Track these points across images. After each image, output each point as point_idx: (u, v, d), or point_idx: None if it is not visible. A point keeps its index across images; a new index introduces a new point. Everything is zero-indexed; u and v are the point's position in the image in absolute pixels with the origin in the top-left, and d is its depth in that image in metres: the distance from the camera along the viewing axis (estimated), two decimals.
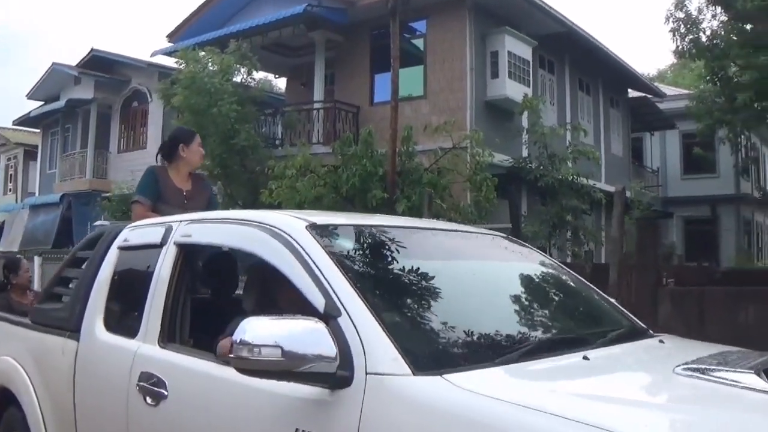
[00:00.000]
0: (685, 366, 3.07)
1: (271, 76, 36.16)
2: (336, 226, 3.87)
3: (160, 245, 4.24)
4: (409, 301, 3.55)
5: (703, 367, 3.08)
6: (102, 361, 4.27)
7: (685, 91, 33.07)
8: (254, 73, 22.97)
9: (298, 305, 3.41)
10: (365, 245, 3.86)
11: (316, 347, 2.78)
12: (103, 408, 4.16)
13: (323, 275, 3.16)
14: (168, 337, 3.94)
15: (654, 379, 3.22)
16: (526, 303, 4.10)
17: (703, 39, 22.63)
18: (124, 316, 4.51)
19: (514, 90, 20.37)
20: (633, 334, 3.96)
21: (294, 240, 3.41)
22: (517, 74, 20.87)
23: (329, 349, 2.80)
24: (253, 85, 23.02)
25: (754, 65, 21.52)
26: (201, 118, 19.69)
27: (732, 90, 23.30)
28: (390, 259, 3.77)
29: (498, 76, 20.49)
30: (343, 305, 3.01)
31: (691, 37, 22.52)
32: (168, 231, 4.29)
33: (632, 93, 30.22)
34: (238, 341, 2.76)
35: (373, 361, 2.81)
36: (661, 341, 3.94)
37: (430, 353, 3.02)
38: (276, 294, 3.89)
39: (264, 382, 3.00)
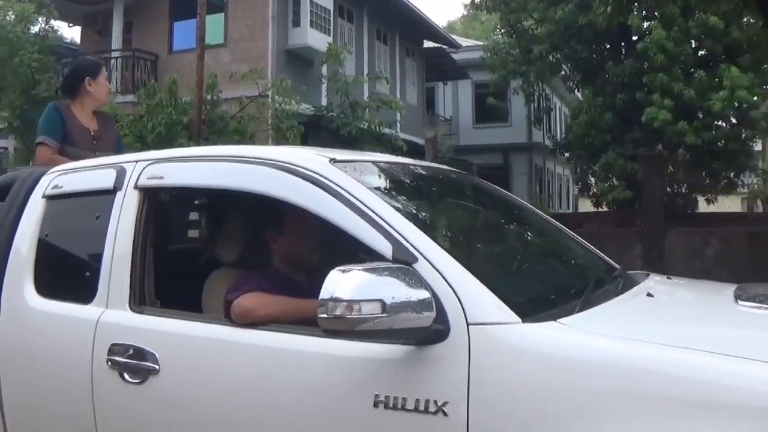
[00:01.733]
0: (745, 298, 3.39)
1: (63, 25, 35.87)
2: (356, 162, 3.68)
3: (113, 191, 3.82)
4: (473, 243, 3.58)
5: (759, 297, 3.40)
6: (40, 336, 3.86)
7: (480, 43, 35.83)
8: (52, 21, 23.13)
9: (317, 252, 3.73)
10: (391, 182, 3.75)
11: (415, 298, 2.65)
12: (50, 393, 3.77)
13: (380, 217, 3.01)
14: (140, 300, 3.61)
15: (735, 312, 3.30)
16: (554, 247, 4.26)
17: None
18: (65, 278, 4.09)
19: (316, 39, 21.49)
20: (634, 275, 4.13)
21: (327, 179, 3.22)
22: (319, 23, 21.95)
23: (427, 299, 2.67)
24: (50, 34, 23.12)
25: (550, 18, 24.22)
26: (0, 68, 19.83)
27: (527, 42, 25.93)
28: (425, 197, 3.79)
29: (300, 24, 21.54)
30: (417, 249, 2.88)
31: None
32: (121, 173, 3.85)
33: (428, 44, 31.93)
34: (330, 298, 2.61)
35: (474, 310, 2.71)
36: (668, 277, 4.32)
37: (526, 298, 2.99)
38: (283, 240, 3.76)
39: (313, 344, 2.97)
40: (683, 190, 25.94)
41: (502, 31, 28.79)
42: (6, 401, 3.97)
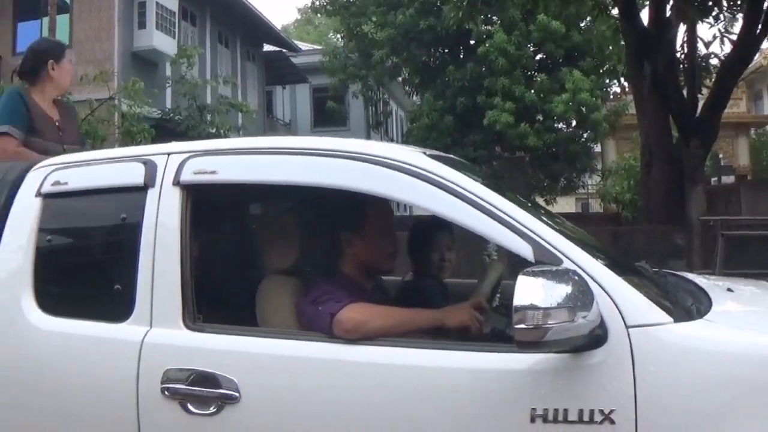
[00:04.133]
0: None
1: None
2: (444, 156, 3.54)
3: (144, 187, 3.41)
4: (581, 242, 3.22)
5: None
6: (50, 361, 3.40)
7: (319, 47, 36.41)
8: None
9: (395, 258, 3.65)
10: (487, 179, 3.47)
11: (582, 303, 2.58)
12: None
13: (511, 216, 2.91)
14: (196, 316, 3.25)
15: None
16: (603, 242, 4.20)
17: None
18: (82, 292, 3.61)
19: (161, 41, 21.85)
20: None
21: (437, 175, 3.06)
22: (164, 25, 22.24)
23: (594, 304, 2.60)
24: None
25: (390, 23, 24.99)
26: None
27: (367, 46, 26.68)
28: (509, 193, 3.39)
29: (145, 26, 21.78)
30: (560, 251, 2.83)
31: None
32: (151, 167, 3.44)
33: (268, 47, 32.47)
34: (527, 306, 2.51)
35: (630, 312, 2.70)
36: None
37: (661, 299, 2.97)
38: (361, 244, 3.56)
39: (446, 357, 2.88)
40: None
41: (341, 35, 29.33)
42: None
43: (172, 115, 20.34)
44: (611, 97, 26.71)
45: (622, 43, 15.93)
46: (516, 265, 2.87)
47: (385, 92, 32.39)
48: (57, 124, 5.39)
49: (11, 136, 5.04)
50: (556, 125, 24.60)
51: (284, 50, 32.92)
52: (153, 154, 3.52)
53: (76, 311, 3.44)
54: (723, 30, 14.62)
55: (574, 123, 24.72)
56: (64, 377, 3.33)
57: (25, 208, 3.65)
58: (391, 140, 36.36)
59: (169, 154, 3.47)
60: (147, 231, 3.33)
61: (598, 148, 28.93)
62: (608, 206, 26.58)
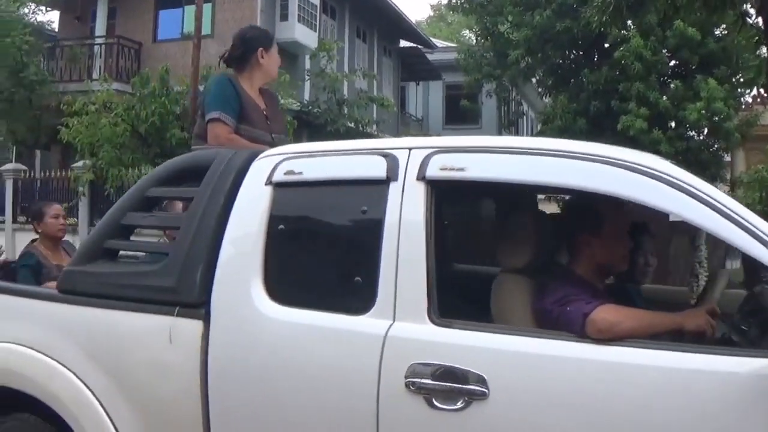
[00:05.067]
0: None
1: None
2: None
3: (386, 181, 3.48)
4: None
5: None
6: (283, 352, 3.51)
7: (454, 45, 36.82)
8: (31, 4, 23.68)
9: (626, 260, 3.77)
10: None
11: None
12: (302, 421, 3.45)
13: (750, 223, 2.99)
14: (440, 312, 3.30)
15: None
16: None
17: None
18: (316, 283, 3.72)
19: (303, 34, 22.69)
20: None
21: (684, 182, 3.13)
22: (305, 18, 23.15)
23: None
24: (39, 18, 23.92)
25: (526, 23, 25.17)
26: None
27: (502, 46, 26.89)
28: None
29: (287, 19, 22.67)
30: None
31: None
32: (393, 161, 3.51)
33: (404, 43, 33.10)
34: None
35: None
36: None
37: None
38: (599, 245, 3.62)
39: (695, 361, 2.94)
40: None
41: (476, 33, 29.48)
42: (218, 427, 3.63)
43: (310, 107, 20.88)
44: (743, 107, 26.28)
45: (764, 53, 15.80)
46: (752, 271, 3.18)
47: (517, 93, 32.47)
48: (264, 112, 5.41)
49: (223, 122, 5.03)
50: (688, 133, 24.39)
51: (420, 46, 33.37)
52: (392, 149, 3.61)
53: (308, 301, 3.57)
54: None
55: (705, 131, 24.44)
56: (297, 368, 3.45)
57: (255, 196, 3.76)
58: None
59: (410, 149, 3.55)
60: (390, 225, 3.41)
61: (727, 158, 28.43)
62: None
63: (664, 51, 23.83)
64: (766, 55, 15.41)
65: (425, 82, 37.24)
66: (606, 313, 3.15)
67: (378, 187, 3.51)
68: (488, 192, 4.59)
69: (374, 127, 23.42)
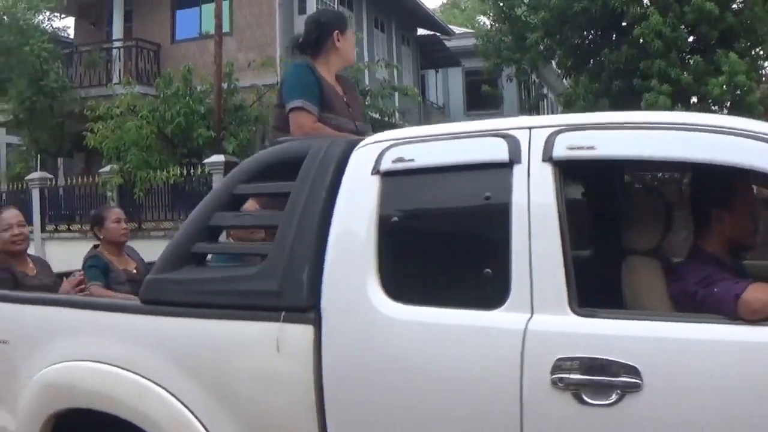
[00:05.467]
0: None
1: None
2: None
3: (509, 164, 3.25)
4: None
5: None
6: (409, 352, 3.26)
7: (471, 30, 36.85)
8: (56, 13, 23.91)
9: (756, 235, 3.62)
10: None
11: None
12: (435, 426, 3.22)
13: None
14: (579, 301, 3.09)
15: None
16: None
17: None
18: (438, 276, 3.47)
19: None
20: None
21: None
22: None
23: None
24: (54, 24, 24.05)
25: (544, 5, 25.17)
26: (9, 57, 20.54)
27: (521, 29, 26.93)
28: None
29: (305, 11, 22.53)
30: None
31: None
32: (514, 143, 3.27)
33: (421, 31, 33.12)
34: None
35: None
36: None
37: None
38: (730, 220, 3.50)
39: None
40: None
41: (493, 18, 29.46)
42: None
43: None
44: (764, 79, 26.19)
45: None
46: None
47: (537, 75, 32.44)
48: (344, 99, 5.18)
49: (307, 111, 4.77)
50: (711, 108, 24.31)
51: (438, 34, 33.37)
52: (510, 129, 3.37)
53: (431, 298, 3.32)
54: None
55: (728, 105, 24.35)
56: (427, 371, 3.22)
57: (361, 188, 3.52)
58: None
59: (530, 128, 3.33)
60: (518, 211, 3.18)
61: None
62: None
63: (682, 27, 23.75)
64: None
65: (444, 70, 37.22)
66: (758, 293, 2.99)
67: (500, 170, 3.27)
68: (615, 171, 4.46)
69: (397, 116, 23.41)
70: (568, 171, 3.29)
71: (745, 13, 23.42)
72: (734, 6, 24.04)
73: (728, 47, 22.87)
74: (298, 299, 3.48)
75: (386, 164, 3.50)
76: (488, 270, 3.23)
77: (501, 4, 27.26)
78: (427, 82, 37.32)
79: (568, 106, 26.87)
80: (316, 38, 5.10)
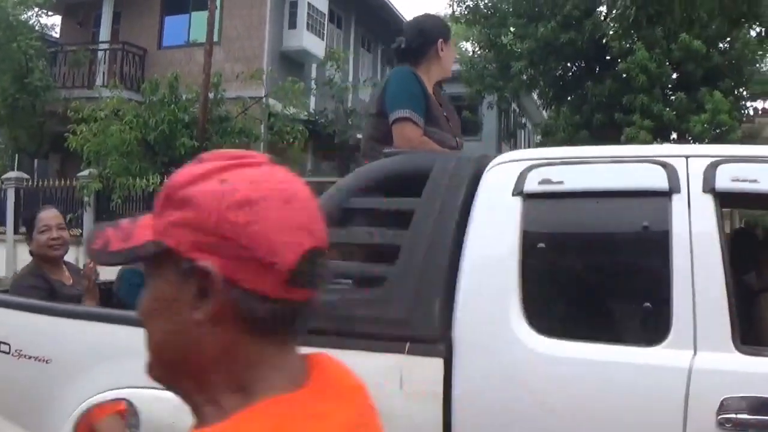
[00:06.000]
0: None
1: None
2: None
3: (668, 193, 3.08)
4: None
5: None
6: (565, 394, 3.01)
7: (456, 56, 36.94)
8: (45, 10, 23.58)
9: None
10: None
11: None
12: None
13: None
14: (741, 337, 2.93)
15: None
16: None
17: (481, 6, 26.22)
18: (592, 311, 3.28)
19: (311, 42, 22.69)
20: None
21: None
22: (314, 26, 23.14)
23: None
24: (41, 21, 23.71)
25: (530, 35, 25.28)
26: None
27: (506, 57, 27.02)
28: None
29: (296, 26, 22.65)
30: None
31: (469, 3, 26.05)
32: (672, 171, 3.10)
33: None
34: None
35: None
36: None
37: None
38: None
39: None
40: None
41: (479, 44, 29.56)
42: None
43: (317, 117, 20.79)
44: (744, 119, 26.46)
45: None
46: None
47: (517, 104, 32.57)
48: (445, 113, 4.79)
49: (414, 123, 4.36)
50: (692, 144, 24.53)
51: None
52: (666, 156, 3.20)
53: (581, 332, 3.12)
54: None
55: (707, 142, 24.57)
56: (582, 412, 2.99)
57: (501, 210, 3.25)
58: None
59: (686, 157, 3.16)
60: (679, 242, 3.00)
61: None
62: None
63: (668, 63, 23.93)
64: None
65: None
66: None
67: (658, 199, 3.10)
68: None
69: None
70: (729, 203, 3.23)
71: (731, 53, 23.62)
72: (721, 45, 24.28)
73: (713, 86, 23.07)
74: (427, 329, 3.14)
75: (531, 185, 3.23)
76: (648, 304, 3.04)
77: (487, 31, 27.29)
78: None
79: (547, 137, 27.01)
80: (419, 46, 4.74)
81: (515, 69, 26.10)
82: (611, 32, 15.34)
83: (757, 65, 24.78)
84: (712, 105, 22.07)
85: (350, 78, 25.22)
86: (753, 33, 17.40)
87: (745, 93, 25.76)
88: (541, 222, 3.27)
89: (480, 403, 3.04)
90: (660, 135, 23.08)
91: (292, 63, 23.04)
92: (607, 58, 25.47)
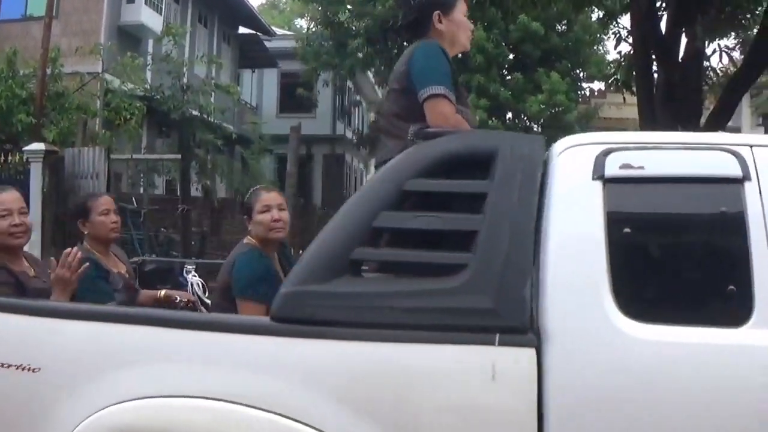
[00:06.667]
0: None
1: None
2: None
3: (740, 180, 3.13)
4: None
5: None
6: (660, 379, 2.96)
7: (291, 33, 36.67)
8: None
9: None
10: None
11: None
12: None
13: None
14: None
15: None
16: None
17: None
18: (676, 294, 3.21)
19: (149, 17, 22.28)
20: None
21: None
22: (152, 1, 22.60)
23: None
24: None
25: (368, 13, 25.42)
26: None
27: (342, 35, 27.10)
28: None
29: (134, 1, 22.08)
30: None
31: None
32: (741, 159, 3.17)
33: (243, 30, 32.72)
34: None
35: None
36: None
37: None
38: None
39: None
40: None
41: (316, 22, 29.55)
42: None
43: (153, 93, 20.35)
44: (580, 100, 27.40)
45: (618, 50, 16.26)
46: None
47: (352, 82, 32.76)
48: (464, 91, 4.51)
49: (449, 100, 3.97)
50: (527, 124, 25.20)
51: (259, 34, 33.10)
52: (734, 145, 3.20)
53: (669, 315, 3.04)
54: (728, 46, 15.06)
55: (543, 122, 25.26)
56: (674, 394, 2.92)
57: (582, 194, 3.15)
58: (356, 131, 36.77)
59: (750, 146, 3.18)
60: (755, 226, 3.01)
61: None
62: None
63: (505, 44, 24.49)
64: (624, 53, 15.84)
65: (261, 70, 36.83)
66: None
67: (732, 186, 3.09)
68: None
69: (222, 114, 23.07)
70: None
71: (570, 35, 24.36)
72: (559, 27, 25.02)
73: (550, 67, 23.76)
74: (518, 318, 2.98)
75: (611, 170, 3.15)
76: (732, 287, 3.00)
77: (324, 8, 27.34)
78: (242, 81, 36.88)
79: (381, 115, 27.17)
80: (414, 21, 4.37)
81: (351, 47, 26.25)
82: None
83: (595, 47, 25.62)
84: (549, 86, 22.74)
85: (186, 54, 24.70)
86: (594, 17, 17.94)
87: (582, 74, 26.64)
88: (624, 207, 3.20)
89: (576, 392, 2.93)
90: (495, 114, 23.62)
91: (130, 38, 22.43)
92: None
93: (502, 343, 2.90)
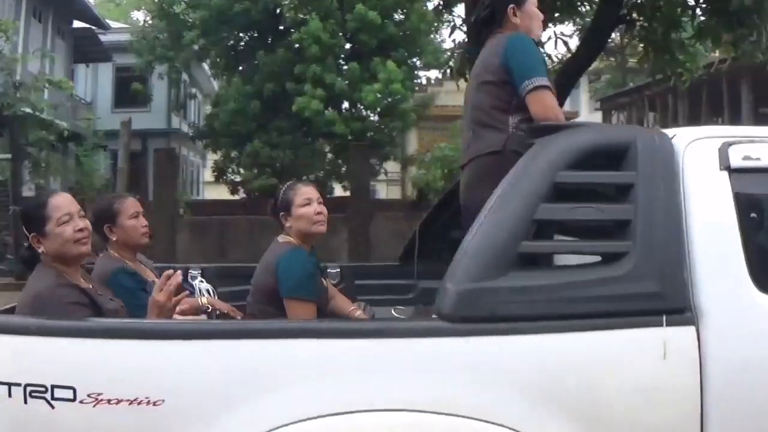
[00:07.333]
0: None
1: None
2: None
3: None
4: None
5: None
6: None
7: (126, 26, 36.08)
8: None
9: None
10: None
11: None
12: None
13: None
14: None
15: None
16: None
17: None
18: None
19: None
20: None
21: None
22: None
23: None
24: None
25: (204, 4, 25.37)
26: None
27: (178, 27, 26.94)
28: None
29: None
30: None
31: None
32: None
33: (77, 24, 31.95)
34: None
35: None
36: None
37: None
38: None
39: None
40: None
41: (151, 13, 29.25)
42: None
43: None
44: (417, 88, 27.82)
45: (453, 38, 16.79)
46: None
47: (188, 75, 32.48)
48: None
49: (552, 91, 4.11)
50: (365, 114, 25.58)
51: (94, 27, 32.45)
52: None
53: None
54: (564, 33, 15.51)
55: (379, 111, 25.54)
56: None
57: (714, 183, 3.43)
58: (192, 124, 36.48)
59: None
60: None
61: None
62: (408, 195, 27.30)
63: (341, 34, 24.79)
64: (458, 41, 16.31)
65: (95, 65, 36.08)
66: None
67: None
68: None
69: (55, 110, 22.59)
70: None
71: (407, 24, 24.81)
72: (396, 16, 25.43)
73: (386, 56, 24.17)
74: (679, 300, 3.25)
75: (735, 161, 3.45)
76: None
77: (160, 0, 27.09)
78: (77, 76, 36.07)
79: (218, 107, 27.17)
80: (490, 15, 4.47)
81: (187, 39, 26.16)
82: (286, 2, 15.74)
83: (432, 36, 26.19)
84: (385, 74, 23.17)
85: (20, 49, 24.09)
86: (430, 6, 18.50)
87: (418, 63, 27.16)
88: (748, 194, 3.48)
89: (727, 361, 3.22)
90: (332, 104, 23.97)
91: None
92: (281, 28, 26.02)
93: (669, 324, 3.18)
